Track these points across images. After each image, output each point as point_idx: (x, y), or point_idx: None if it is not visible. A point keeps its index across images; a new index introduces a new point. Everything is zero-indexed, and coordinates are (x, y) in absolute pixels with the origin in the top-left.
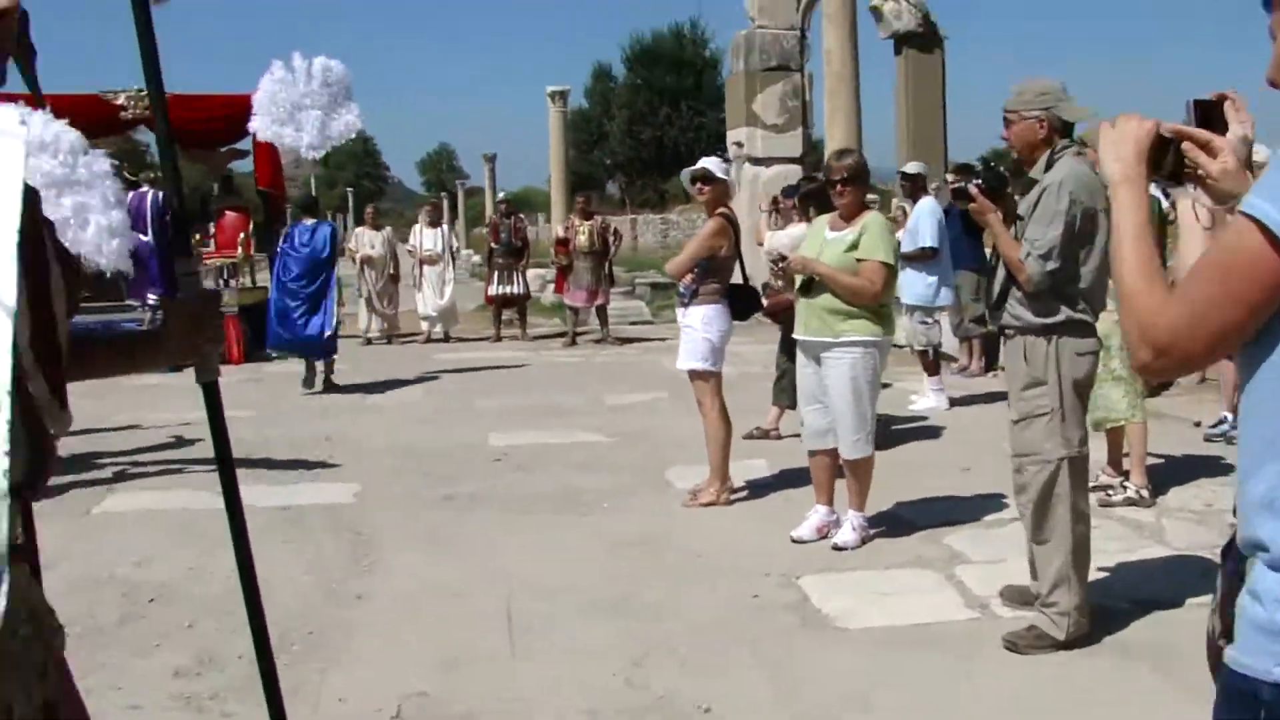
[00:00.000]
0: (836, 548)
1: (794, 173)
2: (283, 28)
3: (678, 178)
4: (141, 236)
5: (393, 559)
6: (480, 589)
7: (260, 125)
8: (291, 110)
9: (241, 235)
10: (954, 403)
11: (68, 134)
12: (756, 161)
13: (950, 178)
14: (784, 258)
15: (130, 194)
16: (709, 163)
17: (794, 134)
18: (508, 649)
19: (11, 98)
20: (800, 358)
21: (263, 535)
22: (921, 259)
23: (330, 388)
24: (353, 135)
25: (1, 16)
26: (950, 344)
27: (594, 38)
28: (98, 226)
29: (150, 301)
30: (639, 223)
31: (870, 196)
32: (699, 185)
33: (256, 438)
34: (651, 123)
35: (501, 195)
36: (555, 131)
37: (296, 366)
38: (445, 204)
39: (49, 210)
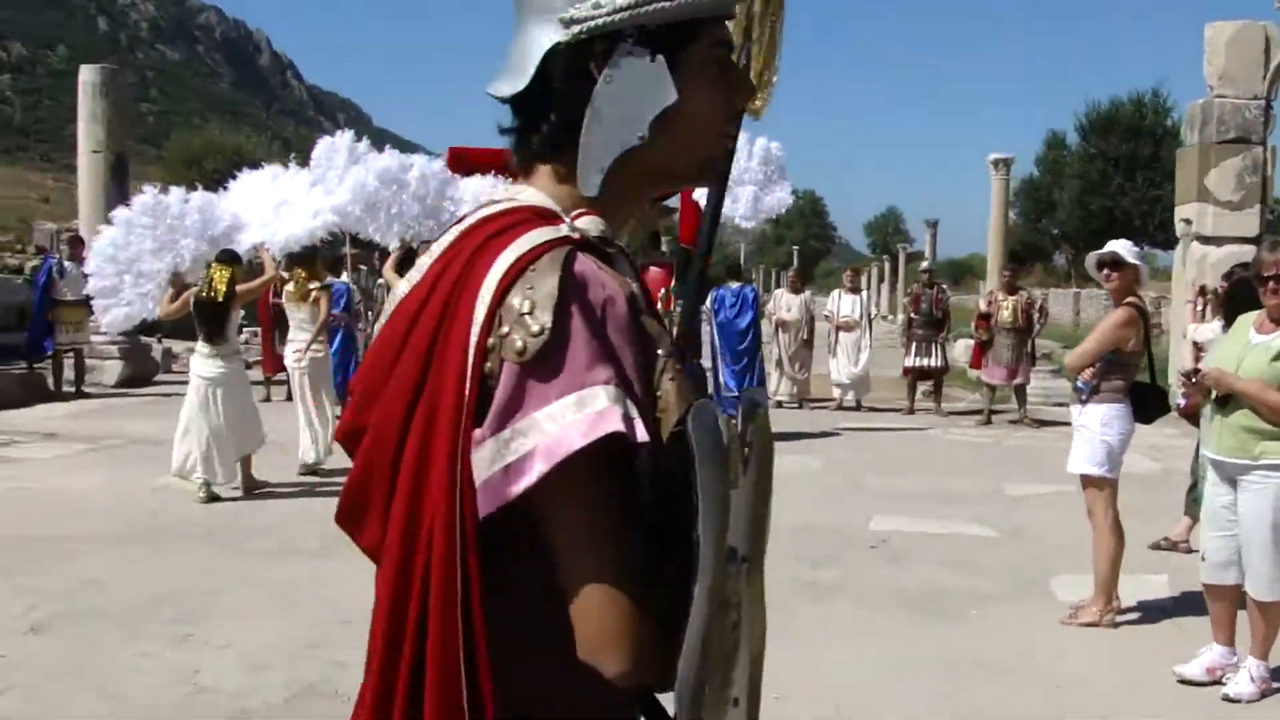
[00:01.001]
0: (1228, 698)
1: (1246, 253)
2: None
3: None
4: None
5: None
6: (799, 696)
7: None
8: (730, 183)
9: (663, 291)
10: None
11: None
12: (1205, 240)
13: None
14: (1200, 359)
15: None
16: (1118, 246)
17: (1250, 211)
18: None
19: None
20: (1211, 475)
21: None
22: None
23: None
24: (782, 211)
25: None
26: None
27: (1044, 106)
28: None
29: None
30: (1082, 297)
31: None
32: (1106, 271)
33: None
34: (1103, 193)
35: (925, 265)
36: (996, 199)
37: None
38: (887, 267)
39: None
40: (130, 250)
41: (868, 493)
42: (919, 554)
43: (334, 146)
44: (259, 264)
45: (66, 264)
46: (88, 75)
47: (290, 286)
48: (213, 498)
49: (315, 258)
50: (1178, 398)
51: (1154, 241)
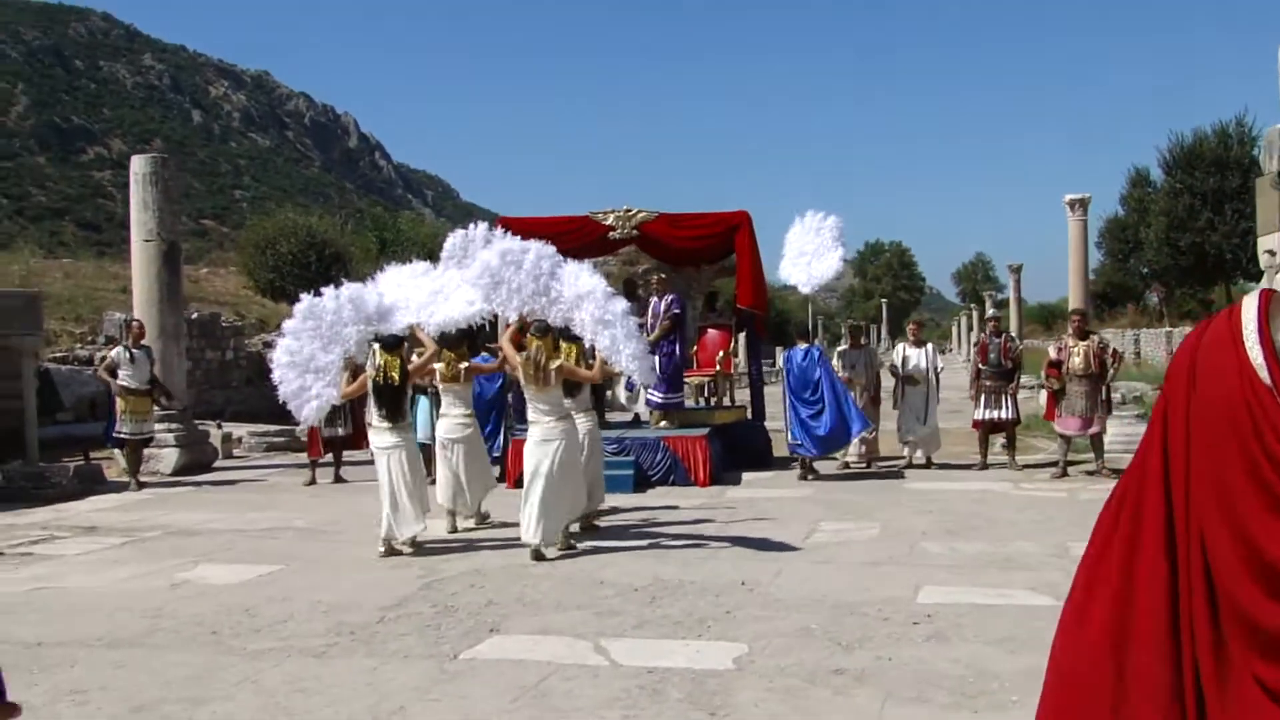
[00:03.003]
0: None
1: None
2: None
3: (1221, 287)
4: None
5: None
6: None
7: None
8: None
9: (721, 353)
10: None
11: (600, 285)
12: None
13: None
14: None
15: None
16: None
17: None
18: None
19: None
20: None
21: (604, 709)
22: None
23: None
24: (833, 276)
25: None
26: None
27: (1125, 143)
28: (628, 353)
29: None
30: (1174, 336)
31: None
32: None
33: (674, 576)
34: (1191, 228)
35: (991, 313)
36: (1074, 241)
37: (765, 493)
38: (975, 315)
39: (600, 342)
40: (304, 353)
41: (922, 561)
42: (967, 629)
43: (469, 237)
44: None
45: (134, 351)
46: (138, 166)
47: (441, 367)
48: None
49: (463, 342)
50: None
51: (1248, 275)
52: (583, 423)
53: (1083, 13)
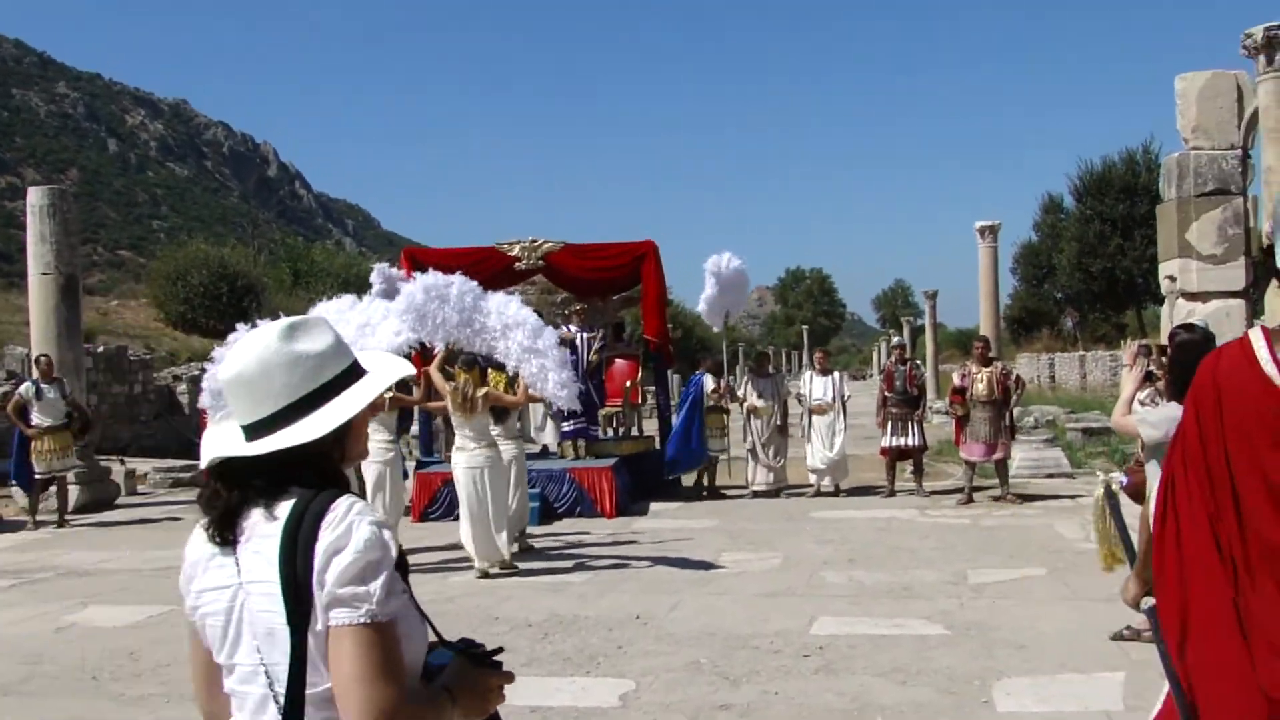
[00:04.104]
0: None
1: (1235, 308)
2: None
3: (1133, 311)
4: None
5: None
6: None
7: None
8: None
9: (628, 384)
10: None
11: (531, 317)
12: (1191, 297)
13: None
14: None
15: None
16: None
17: (1235, 265)
18: None
19: None
20: None
21: None
22: None
23: None
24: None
25: None
26: None
27: (1035, 170)
28: (555, 381)
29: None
30: (1088, 359)
31: None
32: None
33: (570, 610)
34: (1102, 254)
35: (895, 340)
36: (984, 267)
37: (670, 523)
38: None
39: (525, 369)
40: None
41: (820, 591)
42: (858, 661)
43: (385, 272)
44: None
45: (42, 386)
46: (35, 198)
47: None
48: None
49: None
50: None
51: (1157, 300)
52: (508, 449)
53: (996, 40)
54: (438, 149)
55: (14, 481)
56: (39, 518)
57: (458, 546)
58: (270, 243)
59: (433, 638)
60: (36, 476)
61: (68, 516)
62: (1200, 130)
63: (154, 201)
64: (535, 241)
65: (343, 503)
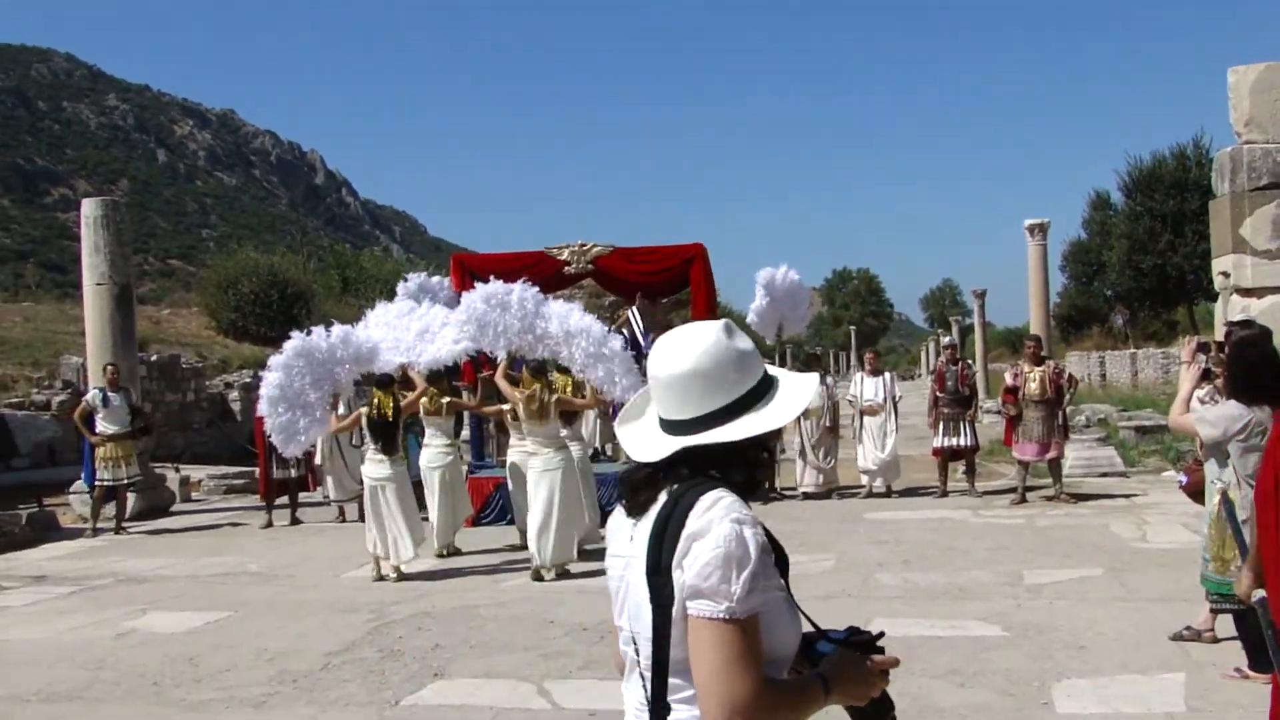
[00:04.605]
0: None
1: None
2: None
3: (1184, 308)
4: None
5: None
6: None
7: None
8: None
9: None
10: None
11: (595, 325)
12: (1245, 293)
13: None
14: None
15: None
16: None
17: None
18: None
19: None
20: None
21: None
22: None
23: None
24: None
25: None
26: None
27: (1084, 167)
28: (623, 385)
29: None
30: (1139, 357)
31: None
32: None
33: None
34: (1152, 250)
35: (946, 340)
36: (1034, 265)
37: None
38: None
39: (591, 375)
40: (294, 388)
41: (875, 593)
42: (915, 663)
43: (420, 281)
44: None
45: (109, 394)
46: (89, 209)
47: (425, 401)
48: (401, 576)
49: (444, 378)
50: (1180, 474)
51: (1209, 296)
52: (575, 450)
53: (1048, 39)
54: (484, 155)
55: (86, 485)
56: (98, 525)
57: (511, 549)
58: (319, 250)
59: (809, 628)
60: (98, 482)
61: (125, 523)
62: (1254, 124)
63: (203, 210)
64: (584, 245)
65: (712, 495)
